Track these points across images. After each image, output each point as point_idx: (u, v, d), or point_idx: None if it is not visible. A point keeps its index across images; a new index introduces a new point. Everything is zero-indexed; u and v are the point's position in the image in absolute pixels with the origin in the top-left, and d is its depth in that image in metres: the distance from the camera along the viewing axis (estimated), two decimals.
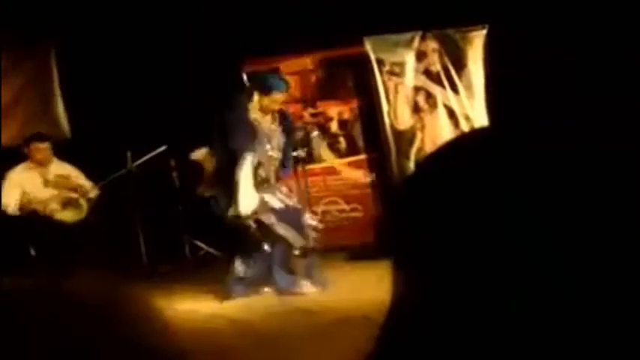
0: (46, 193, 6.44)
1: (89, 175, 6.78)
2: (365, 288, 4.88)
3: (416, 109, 6.79)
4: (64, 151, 6.89)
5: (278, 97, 5.49)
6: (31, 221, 6.26)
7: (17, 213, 6.29)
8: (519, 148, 0.62)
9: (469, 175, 0.62)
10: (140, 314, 0.64)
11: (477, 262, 0.59)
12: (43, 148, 6.47)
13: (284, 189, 5.68)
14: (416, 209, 0.64)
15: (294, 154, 5.91)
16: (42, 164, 6.49)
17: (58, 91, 7.77)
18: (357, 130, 7.20)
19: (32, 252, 6.18)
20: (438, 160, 0.66)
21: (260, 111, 5.55)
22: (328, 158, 7.20)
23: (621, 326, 0.58)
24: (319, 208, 6.99)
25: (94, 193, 6.63)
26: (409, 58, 6.90)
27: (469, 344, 0.60)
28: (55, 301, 0.62)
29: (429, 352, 0.61)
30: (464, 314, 0.60)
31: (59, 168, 6.61)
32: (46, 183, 6.49)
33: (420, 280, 0.62)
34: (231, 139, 5.44)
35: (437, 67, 6.81)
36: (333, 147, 7.24)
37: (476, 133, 0.70)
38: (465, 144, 0.66)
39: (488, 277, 0.59)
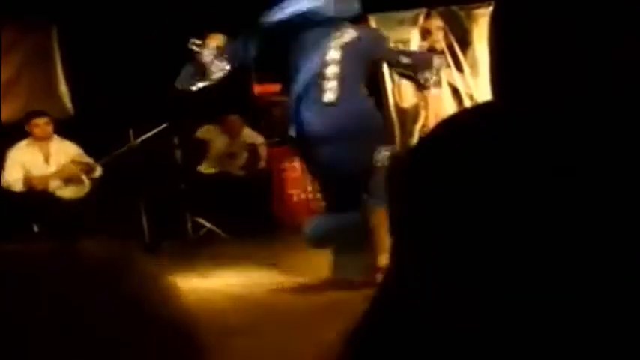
0: (48, 169, 6.44)
1: (92, 153, 6.78)
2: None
3: (420, 87, 6.75)
4: (66, 129, 6.89)
5: None
6: (33, 198, 6.26)
7: (20, 190, 6.30)
8: (521, 125, 0.62)
9: (471, 150, 0.61)
10: (148, 274, 0.65)
11: (477, 236, 0.58)
12: (42, 123, 6.48)
13: None
14: (418, 180, 0.63)
15: None
16: (42, 140, 6.50)
17: (59, 69, 7.75)
18: None
19: (35, 229, 6.19)
20: (440, 134, 0.66)
21: None
22: None
23: (618, 319, 0.56)
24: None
25: (96, 170, 6.63)
26: (413, 36, 6.85)
27: (462, 317, 0.59)
28: (66, 258, 0.64)
29: (420, 324, 0.61)
30: (459, 288, 0.59)
31: (60, 145, 6.61)
32: (47, 159, 6.49)
33: (418, 250, 0.62)
34: None
35: (441, 44, 6.76)
36: None
37: (478, 109, 0.70)
38: (467, 119, 0.66)
39: (486, 252, 0.58)
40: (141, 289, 0.63)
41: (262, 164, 7.30)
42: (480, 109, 0.70)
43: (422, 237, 0.62)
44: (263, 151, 7.34)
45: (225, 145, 7.31)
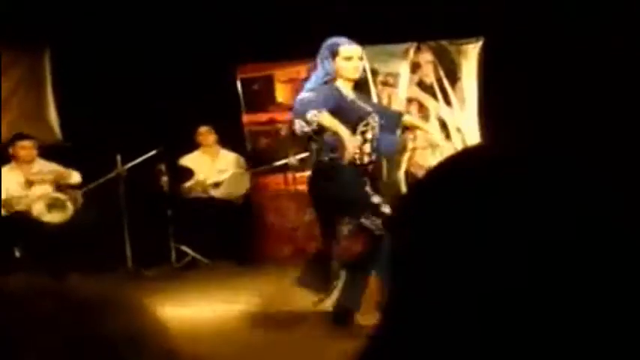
0: (30, 193, 6.40)
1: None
2: None
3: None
4: (54, 154, 6.87)
5: None
6: (15, 222, 6.21)
7: (1, 214, 6.25)
8: (518, 168, 0.62)
9: (468, 190, 0.62)
10: (134, 311, 0.66)
11: (471, 270, 0.60)
12: (27, 146, 6.50)
13: None
14: (417, 215, 0.65)
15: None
16: (26, 162, 6.48)
17: (50, 93, 7.74)
18: None
19: (17, 253, 6.13)
20: (440, 174, 0.66)
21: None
22: None
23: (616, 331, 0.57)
24: (305, 216, 6.94)
25: (80, 194, 6.59)
26: (403, 69, 6.89)
27: (458, 341, 0.59)
28: (53, 298, 0.64)
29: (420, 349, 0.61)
30: (456, 315, 0.60)
31: (45, 168, 6.59)
32: (29, 183, 6.45)
33: (418, 282, 0.63)
34: None
35: (431, 78, 6.81)
36: None
37: (478, 150, 0.71)
38: (466, 161, 0.67)
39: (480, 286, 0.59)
40: (128, 327, 0.64)
41: (246, 191, 7.27)
42: (477, 152, 0.71)
43: (421, 274, 0.63)
44: (247, 179, 7.32)
45: (209, 169, 7.29)
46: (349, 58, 4.49)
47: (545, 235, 0.59)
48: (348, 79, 4.53)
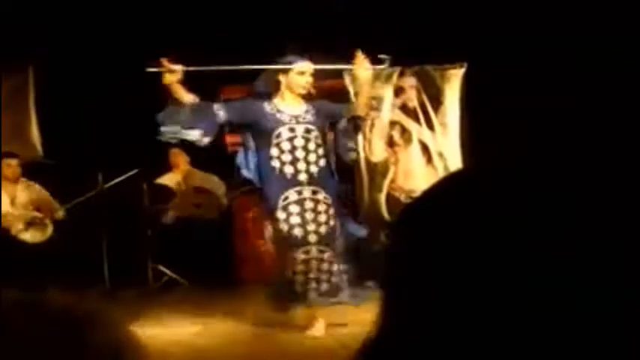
0: (12, 212, 6.36)
1: (59, 196, 6.71)
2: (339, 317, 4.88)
3: (390, 143, 6.78)
4: (35, 171, 6.83)
5: None
6: None
7: None
8: (504, 190, 0.63)
9: (457, 215, 0.62)
10: (115, 326, 0.67)
11: (460, 296, 0.59)
12: (13, 164, 6.46)
13: None
14: (405, 244, 0.65)
15: None
16: (10, 181, 6.43)
17: (32, 111, 7.72)
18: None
19: None
20: (429, 199, 0.66)
21: None
22: None
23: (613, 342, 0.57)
24: None
25: (60, 214, 6.55)
26: (387, 93, 6.90)
27: None
28: (34, 313, 0.64)
29: None
30: (446, 341, 0.59)
31: (27, 188, 6.54)
32: (13, 203, 6.42)
33: (409, 308, 0.62)
34: None
35: (414, 103, 6.81)
36: None
37: (462, 174, 0.71)
38: (453, 184, 0.67)
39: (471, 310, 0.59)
40: (105, 341, 0.64)
41: (223, 208, 7.27)
42: (465, 176, 0.71)
43: (408, 300, 0.63)
44: (224, 199, 7.31)
45: (184, 189, 7.29)
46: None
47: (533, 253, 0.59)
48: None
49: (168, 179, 7.36)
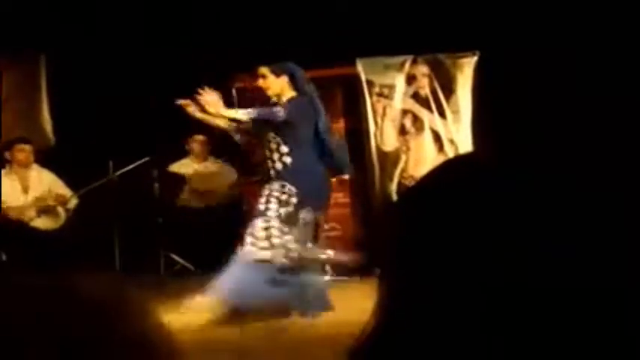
0: (24, 199, 6.38)
1: (71, 183, 6.72)
2: (343, 308, 4.89)
3: (402, 131, 6.78)
4: (47, 158, 6.85)
5: None
6: (6, 227, 6.17)
7: None
8: (507, 175, 0.62)
9: (457, 199, 0.62)
10: (139, 311, 0.67)
11: (461, 280, 0.59)
12: (27, 149, 6.47)
13: None
14: (406, 227, 0.64)
15: None
16: (23, 166, 6.45)
17: (44, 98, 7.74)
18: None
19: (3, 257, 6.09)
20: (429, 182, 0.66)
21: None
22: None
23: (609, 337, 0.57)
24: None
25: (72, 201, 6.56)
26: (399, 81, 6.89)
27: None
28: (61, 296, 0.64)
29: None
30: (447, 329, 0.59)
31: (39, 174, 6.56)
32: (26, 189, 6.43)
33: (409, 294, 0.62)
34: None
35: (426, 91, 6.81)
36: None
37: (465, 158, 0.70)
38: (455, 168, 0.67)
39: (470, 297, 0.59)
40: (138, 327, 0.64)
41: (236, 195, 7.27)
42: (468, 160, 0.70)
43: (407, 286, 0.62)
44: (237, 187, 7.31)
45: (199, 176, 7.28)
46: None
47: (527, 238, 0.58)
48: None
49: (184, 166, 7.34)
